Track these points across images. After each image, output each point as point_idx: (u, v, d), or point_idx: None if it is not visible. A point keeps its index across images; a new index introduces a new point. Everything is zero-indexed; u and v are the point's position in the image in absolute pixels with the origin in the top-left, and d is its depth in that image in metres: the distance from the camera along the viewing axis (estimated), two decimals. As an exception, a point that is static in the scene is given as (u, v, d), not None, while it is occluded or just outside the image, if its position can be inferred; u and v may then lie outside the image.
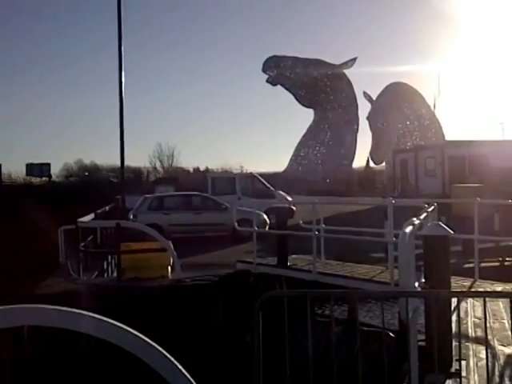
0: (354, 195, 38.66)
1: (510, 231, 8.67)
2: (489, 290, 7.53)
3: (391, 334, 7.39)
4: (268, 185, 23.44)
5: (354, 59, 51.91)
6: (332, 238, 10.09)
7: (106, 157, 78.47)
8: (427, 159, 32.92)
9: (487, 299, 3.54)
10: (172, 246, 10.78)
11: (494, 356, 4.73)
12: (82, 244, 11.11)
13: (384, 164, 49.72)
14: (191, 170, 64.58)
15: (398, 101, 49.74)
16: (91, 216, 13.11)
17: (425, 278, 4.85)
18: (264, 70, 52.23)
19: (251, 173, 26.56)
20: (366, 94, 51.53)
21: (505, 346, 5.04)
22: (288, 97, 54.39)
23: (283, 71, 52.13)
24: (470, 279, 8.27)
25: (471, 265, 8.77)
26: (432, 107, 51.23)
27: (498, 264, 10.67)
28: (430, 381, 4.21)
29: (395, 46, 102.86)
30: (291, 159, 55.30)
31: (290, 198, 23.10)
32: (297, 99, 54.31)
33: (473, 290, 7.60)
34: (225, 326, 9.12)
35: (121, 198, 16.98)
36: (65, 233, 11.90)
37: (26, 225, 15.06)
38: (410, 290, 4.08)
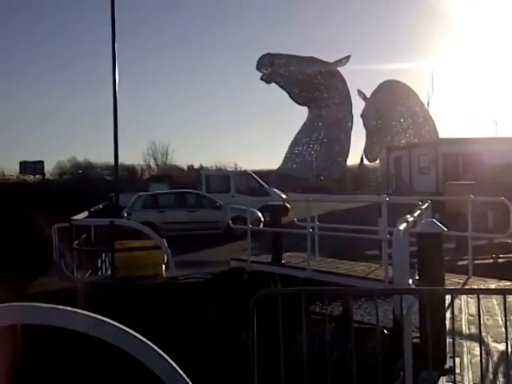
0: (348, 193, 38.72)
1: (503, 228, 8.70)
2: (482, 287, 7.55)
3: (385, 332, 7.40)
4: (262, 182, 23.44)
5: (348, 57, 52.01)
6: (326, 236, 10.12)
7: (99, 155, 78.66)
8: (421, 157, 33.05)
9: (481, 296, 3.55)
10: (166, 244, 10.75)
11: (488, 353, 4.75)
12: (76, 242, 11.06)
13: (378, 161, 49.79)
14: (185, 167, 64.55)
15: (391, 98, 49.83)
16: (85, 214, 13.07)
17: (419, 275, 4.86)
18: (258, 68, 52.20)
19: (245, 170, 26.55)
20: (359, 92, 51.59)
21: (498, 342, 5.06)
22: (282, 94, 54.47)
23: (277, 69, 52.11)
24: (463, 276, 8.29)
25: (465, 262, 8.80)
26: (426, 105, 51.43)
27: (491, 261, 10.70)
28: (424, 378, 4.22)
29: (389, 44, 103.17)
30: (285, 157, 55.33)
31: (284, 196, 23.14)
32: (291, 97, 54.31)
33: (467, 287, 7.63)
34: (219, 323, 9.12)
35: (115, 196, 16.93)
36: (58, 231, 11.83)
37: (19, 223, 14.99)
38: (404, 287, 4.09)
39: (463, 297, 6.72)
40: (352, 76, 61.27)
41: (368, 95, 51.34)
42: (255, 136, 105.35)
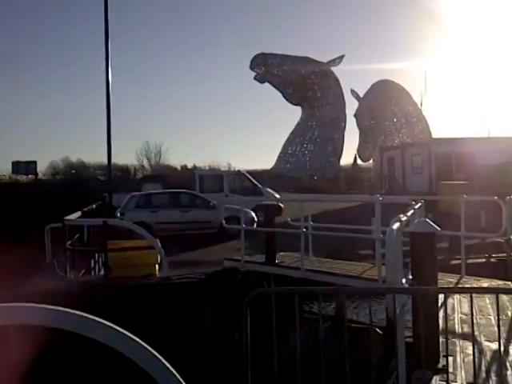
0: (341, 192, 38.80)
1: (496, 228, 8.74)
2: (475, 286, 7.58)
3: (379, 331, 7.41)
4: (256, 182, 23.44)
5: (342, 57, 52.11)
6: (320, 236, 10.13)
7: (92, 154, 78.53)
8: (414, 157, 33.17)
9: (474, 295, 3.56)
10: (159, 244, 10.73)
11: (481, 352, 4.77)
12: (69, 242, 11.02)
13: (371, 161, 49.96)
14: (179, 167, 64.47)
15: (385, 98, 49.99)
16: (78, 214, 13.01)
17: (412, 275, 4.87)
18: (252, 68, 52.19)
19: (239, 170, 26.54)
20: (353, 92, 51.69)
21: (491, 341, 5.08)
22: (276, 94, 54.50)
23: (271, 69, 52.13)
24: (456, 275, 8.32)
25: (458, 261, 8.83)
26: (419, 105, 51.63)
27: (484, 260, 10.75)
28: (417, 377, 4.23)
29: (382, 44, 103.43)
30: (279, 156, 55.36)
31: (277, 196, 23.15)
32: (284, 97, 54.34)
33: (459, 286, 7.66)
34: (213, 323, 9.11)
35: (108, 196, 16.87)
36: (51, 231, 11.78)
37: (12, 223, 14.91)
38: (397, 286, 4.10)
39: (456, 296, 6.75)
40: (345, 76, 61.39)
41: (361, 95, 51.47)
42: (249, 136, 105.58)
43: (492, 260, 10.83)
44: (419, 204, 7.50)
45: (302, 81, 52.73)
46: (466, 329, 5.47)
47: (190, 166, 63.17)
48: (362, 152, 52.18)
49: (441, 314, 4.88)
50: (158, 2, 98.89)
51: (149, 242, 10.81)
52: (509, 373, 4.35)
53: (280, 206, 19.99)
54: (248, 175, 23.82)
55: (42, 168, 61.89)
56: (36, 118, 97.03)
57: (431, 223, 4.79)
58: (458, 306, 6.47)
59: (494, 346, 4.92)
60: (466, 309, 6.20)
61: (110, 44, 10.95)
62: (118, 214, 17.21)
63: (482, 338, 5.21)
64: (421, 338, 4.05)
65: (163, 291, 9.51)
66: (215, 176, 24.30)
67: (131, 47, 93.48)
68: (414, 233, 4.83)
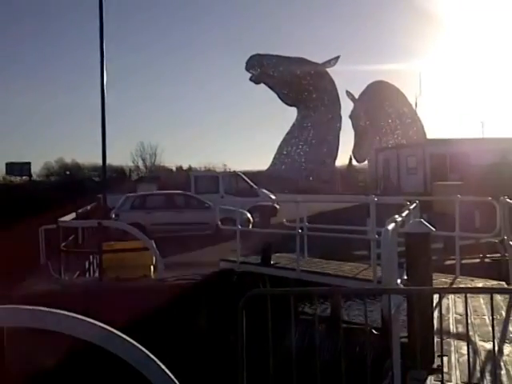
0: (336, 193, 38.83)
1: (490, 228, 8.77)
2: (470, 286, 7.61)
3: (374, 331, 7.43)
4: (251, 183, 23.41)
5: (337, 58, 52.12)
6: (315, 237, 10.13)
7: (87, 155, 78.24)
8: (409, 157, 33.21)
9: (468, 295, 3.57)
10: (155, 245, 10.71)
11: (475, 352, 4.78)
12: (63, 244, 10.99)
13: (366, 162, 50.03)
14: (174, 168, 64.31)
15: (380, 99, 50.09)
16: (72, 215, 12.99)
17: (407, 275, 4.87)
18: (247, 69, 52.21)
19: (234, 171, 26.51)
20: (348, 93, 51.79)
21: (485, 341, 5.10)
22: (271, 95, 54.52)
23: (266, 70, 52.15)
24: (451, 276, 8.35)
25: (452, 261, 8.86)
26: (414, 106, 51.75)
27: (478, 260, 10.79)
28: (413, 377, 4.24)
29: (378, 45, 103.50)
30: (274, 157, 55.37)
31: (273, 197, 23.15)
32: (280, 98, 54.37)
33: (454, 286, 7.68)
34: (208, 325, 9.10)
35: (102, 197, 16.83)
36: (46, 232, 11.75)
37: (6, 224, 14.84)
38: (392, 286, 4.10)
39: (451, 296, 6.77)
40: (341, 77, 61.33)
41: (356, 96, 51.57)
42: (244, 137, 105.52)
43: (486, 260, 10.88)
44: (414, 204, 7.51)
45: (298, 82, 52.76)
46: (461, 329, 5.48)
47: (185, 167, 63.12)
48: (357, 153, 52.29)
49: (435, 314, 4.89)
50: (157, 4, 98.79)
51: (144, 244, 10.79)
52: (503, 372, 4.36)
53: (275, 207, 20.00)
54: (243, 176, 23.80)
55: (36, 169, 61.76)
56: (30, 119, 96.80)
57: (426, 224, 4.80)
58: (453, 306, 6.49)
59: (489, 345, 4.94)
60: (460, 309, 6.22)
61: (104, 45, 10.96)
62: (113, 215, 17.16)
63: (477, 338, 5.23)
64: (416, 338, 4.06)
65: (159, 293, 9.49)
66: (211, 177, 24.24)
67: (127, 48, 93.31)
68: (409, 233, 4.84)
